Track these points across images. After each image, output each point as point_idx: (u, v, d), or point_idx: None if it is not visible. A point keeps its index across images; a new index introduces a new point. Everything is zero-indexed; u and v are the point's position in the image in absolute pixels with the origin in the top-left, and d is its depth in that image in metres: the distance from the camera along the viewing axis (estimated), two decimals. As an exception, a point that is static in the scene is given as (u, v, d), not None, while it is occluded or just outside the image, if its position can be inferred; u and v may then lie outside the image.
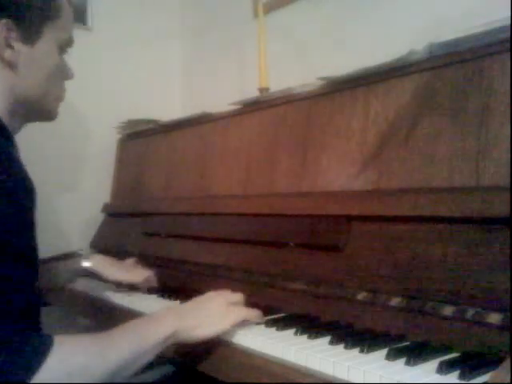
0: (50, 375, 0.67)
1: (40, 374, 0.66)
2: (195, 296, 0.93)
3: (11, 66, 0.87)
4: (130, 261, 1.35)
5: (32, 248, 0.82)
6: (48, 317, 1.52)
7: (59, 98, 0.99)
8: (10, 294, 0.73)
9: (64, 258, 1.27)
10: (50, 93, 0.95)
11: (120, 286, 1.27)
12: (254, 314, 0.90)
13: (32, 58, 0.89)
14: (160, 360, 1.07)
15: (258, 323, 0.90)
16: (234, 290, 1.12)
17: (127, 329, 0.81)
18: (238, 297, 0.93)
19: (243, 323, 0.88)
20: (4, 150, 0.79)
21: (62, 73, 0.98)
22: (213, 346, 0.87)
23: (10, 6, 0.85)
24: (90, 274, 1.23)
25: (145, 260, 1.41)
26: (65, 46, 0.97)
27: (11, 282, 0.74)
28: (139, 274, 1.26)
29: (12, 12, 0.85)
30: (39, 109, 0.96)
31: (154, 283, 1.27)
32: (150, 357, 0.79)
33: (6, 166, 0.76)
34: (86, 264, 1.21)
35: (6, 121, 0.87)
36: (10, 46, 0.86)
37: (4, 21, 0.85)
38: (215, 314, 0.86)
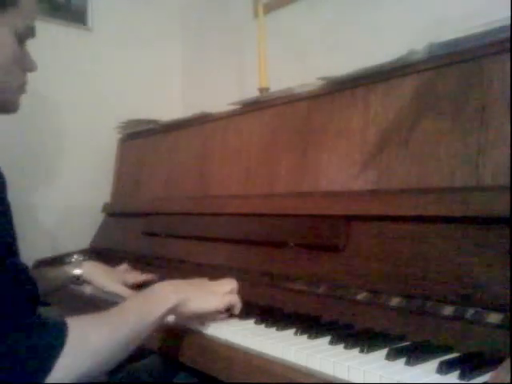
0: (68, 363, 0.68)
1: (59, 363, 0.67)
2: None
3: None
4: (123, 267, 1.34)
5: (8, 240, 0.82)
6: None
7: (19, 90, 0.94)
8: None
9: (55, 262, 1.26)
10: (9, 83, 0.90)
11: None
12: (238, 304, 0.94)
13: None
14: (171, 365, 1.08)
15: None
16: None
17: (133, 306, 0.83)
18: (233, 285, 0.96)
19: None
20: None
21: (22, 63, 0.93)
22: (212, 346, 0.87)
23: None
24: (81, 281, 1.21)
25: (145, 260, 1.41)
26: (24, 36, 0.91)
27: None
28: (132, 278, 1.26)
29: None
30: None
31: None
32: (152, 328, 0.82)
33: None
34: (77, 272, 1.20)
35: None
36: None
37: None
38: (210, 294, 0.91)
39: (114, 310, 0.80)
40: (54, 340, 0.69)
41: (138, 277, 1.28)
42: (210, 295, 0.91)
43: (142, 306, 0.82)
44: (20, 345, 0.67)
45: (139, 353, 1.08)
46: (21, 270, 0.81)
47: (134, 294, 1.20)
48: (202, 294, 0.90)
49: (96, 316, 0.78)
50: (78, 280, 1.21)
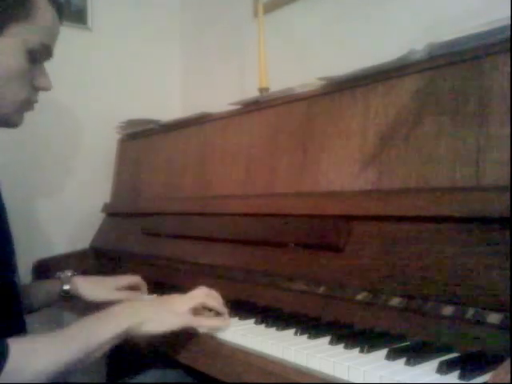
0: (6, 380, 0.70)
1: None
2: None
3: None
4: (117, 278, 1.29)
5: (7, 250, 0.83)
6: (47, 317, 1.53)
7: (22, 105, 0.92)
8: None
9: (45, 281, 1.26)
10: (7, 96, 0.88)
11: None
12: (204, 323, 0.90)
13: None
14: (165, 364, 1.08)
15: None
16: (233, 289, 1.12)
17: (80, 327, 0.83)
18: (199, 299, 0.92)
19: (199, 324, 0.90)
20: None
21: (31, 80, 0.91)
22: (212, 346, 0.87)
23: None
24: (70, 296, 1.20)
25: (144, 260, 1.41)
26: (38, 53, 0.89)
27: None
28: (124, 279, 1.24)
29: None
30: None
31: (144, 289, 1.25)
32: (101, 352, 0.83)
33: None
34: (65, 287, 1.19)
35: None
36: None
37: None
38: (163, 312, 0.88)
39: (67, 329, 0.82)
40: None
41: (130, 278, 1.25)
42: (167, 316, 0.88)
43: (91, 327, 0.83)
44: None
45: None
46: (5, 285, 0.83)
47: (132, 294, 1.20)
48: (159, 315, 0.88)
49: (46, 335, 0.80)
50: (67, 295, 1.19)
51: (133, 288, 1.23)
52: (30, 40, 0.87)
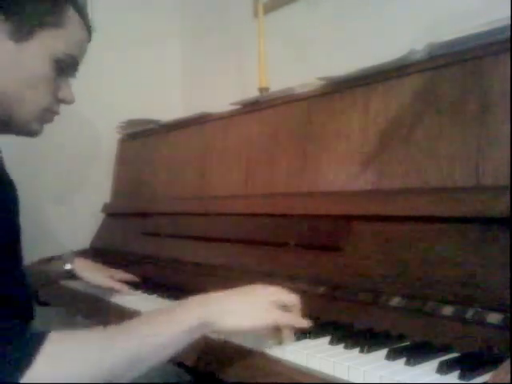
0: (40, 375, 0.63)
1: (29, 374, 0.62)
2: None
3: None
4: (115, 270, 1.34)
5: (14, 239, 0.81)
6: (48, 317, 1.53)
7: (42, 114, 0.90)
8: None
9: (47, 261, 1.29)
10: (28, 103, 0.87)
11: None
12: (298, 321, 0.77)
13: (15, 57, 0.83)
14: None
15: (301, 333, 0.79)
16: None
17: (144, 319, 0.73)
18: (291, 298, 0.80)
19: (283, 329, 0.77)
20: None
21: (54, 90, 0.91)
22: (212, 347, 0.87)
23: None
24: (71, 276, 1.26)
25: (144, 260, 1.41)
26: (63, 63, 0.88)
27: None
28: (118, 273, 1.29)
29: (4, 4, 0.81)
30: (14, 117, 0.87)
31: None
32: (169, 351, 0.70)
33: None
34: (67, 267, 1.24)
35: None
36: None
37: None
38: (254, 307, 0.75)
39: (120, 326, 0.70)
40: (24, 351, 0.63)
41: (124, 274, 1.30)
42: (255, 310, 0.75)
43: (156, 320, 0.72)
44: None
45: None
46: (18, 276, 0.81)
47: (119, 284, 1.24)
48: (244, 308, 0.75)
49: (93, 331, 0.70)
50: (69, 274, 1.24)
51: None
52: (58, 49, 0.87)
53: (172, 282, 1.32)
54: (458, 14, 1.16)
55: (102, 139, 1.96)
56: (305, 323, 0.77)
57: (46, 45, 0.85)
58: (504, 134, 0.81)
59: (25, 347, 0.64)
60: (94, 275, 1.25)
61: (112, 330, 0.70)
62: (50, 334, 0.66)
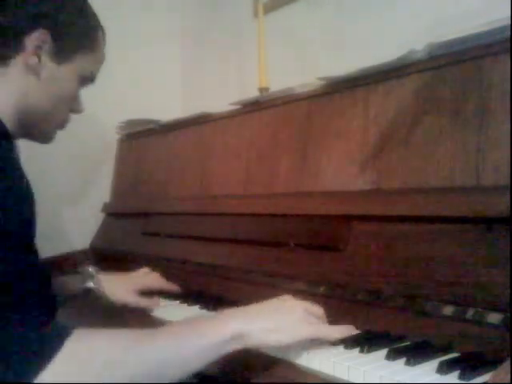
0: (58, 372, 0.62)
1: (48, 371, 0.61)
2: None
3: (34, 73, 0.86)
4: (143, 270, 1.27)
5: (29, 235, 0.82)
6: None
7: (60, 125, 0.99)
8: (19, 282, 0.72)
9: (69, 272, 1.22)
10: (54, 115, 0.94)
11: None
12: (333, 333, 0.77)
13: (54, 76, 0.89)
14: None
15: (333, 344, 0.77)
16: (233, 290, 1.12)
17: (176, 327, 0.73)
18: (319, 310, 0.81)
19: (316, 341, 0.76)
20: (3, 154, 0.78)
21: (72, 103, 0.98)
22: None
23: (55, 21, 0.86)
24: (92, 294, 1.17)
25: (144, 260, 1.41)
26: (85, 80, 0.97)
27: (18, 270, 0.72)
28: (151, 280, 1.23)
29: (54, 26, 0.86)
30: (38, 126, 0.94)
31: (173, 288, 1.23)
32: (195, 365, 0.69)
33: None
34: (89, 285, 1.16)
35: (9, 124, 0.85)
36: (37, 56, 0.85)
37: (44, 31, 0.84)
38: (293, 320, 0.74)
39: (148, 332, 0.70)
40: (49, 342, 0.63)
41: (160, 281, 1.24)
42: (295, 323, 0.74)
43: (186, 330, 0.71)
44: (14, 339, 0.63)
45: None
46: (42, 270, 0.82)
47: (149, 301, 1.16)
48: (284, 322, 0.74)
49: (119, 332, 0.70)
50: (87, 292, 1.16)
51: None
52: (86, 68, 0.94)
53: (172, 282, 1.32)
54: (458, 14, 1.16)
55: (102, 139, 1.96)
56: (344, 334, 0.77)
57: (80, 66, 0.92)
58: (504, 134, 0.81)
59: (48, 342, 0.64)
60: (118, 293, 1.15)
61: (137, 335, 0.70)
62: (74, 330, 0.66)
